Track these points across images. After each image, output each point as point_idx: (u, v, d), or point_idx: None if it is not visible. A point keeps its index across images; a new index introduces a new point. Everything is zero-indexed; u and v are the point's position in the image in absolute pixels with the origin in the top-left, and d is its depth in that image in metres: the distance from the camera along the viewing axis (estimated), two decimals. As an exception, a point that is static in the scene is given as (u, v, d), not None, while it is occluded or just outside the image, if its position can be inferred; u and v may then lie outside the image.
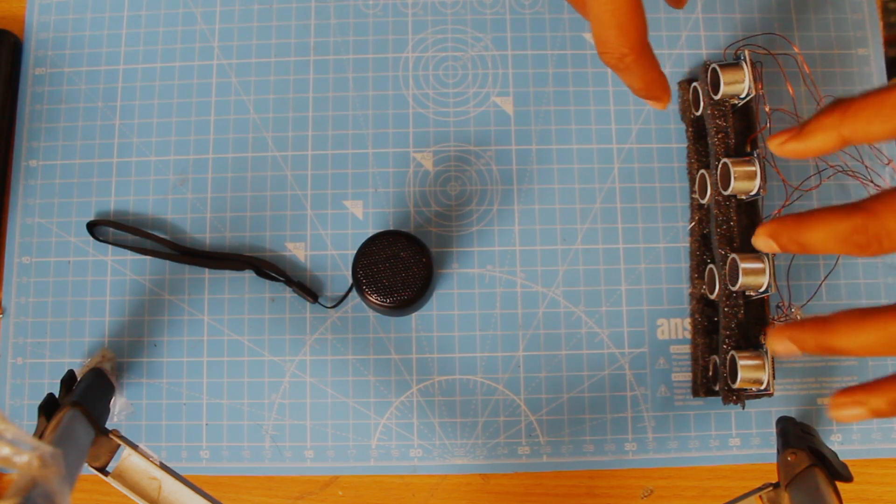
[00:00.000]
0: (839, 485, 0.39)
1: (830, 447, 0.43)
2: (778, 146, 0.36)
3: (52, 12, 0.53)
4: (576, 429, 0.49)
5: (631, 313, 0.50)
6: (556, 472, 0.48)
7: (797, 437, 0.43)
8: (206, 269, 0.50)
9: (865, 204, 0.30)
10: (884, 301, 0.50)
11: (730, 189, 0.45)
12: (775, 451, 0.45)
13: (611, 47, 0.37)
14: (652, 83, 0.39)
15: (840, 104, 0.33)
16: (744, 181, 0.45)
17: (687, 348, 0.49)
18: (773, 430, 0.48)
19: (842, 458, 0.42)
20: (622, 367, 0.49)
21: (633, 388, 0.49)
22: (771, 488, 0.41)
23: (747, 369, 0.44)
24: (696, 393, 0.49)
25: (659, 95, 0.41)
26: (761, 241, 0.35)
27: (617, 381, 0.49)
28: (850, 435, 0.49)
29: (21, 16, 0.54)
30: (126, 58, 0.53)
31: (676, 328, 0.50)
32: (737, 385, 0.44)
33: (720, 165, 0.46)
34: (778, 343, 0.34)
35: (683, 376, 0.49)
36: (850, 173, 0.49)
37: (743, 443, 0.48)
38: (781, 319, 0.45)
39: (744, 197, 0.46)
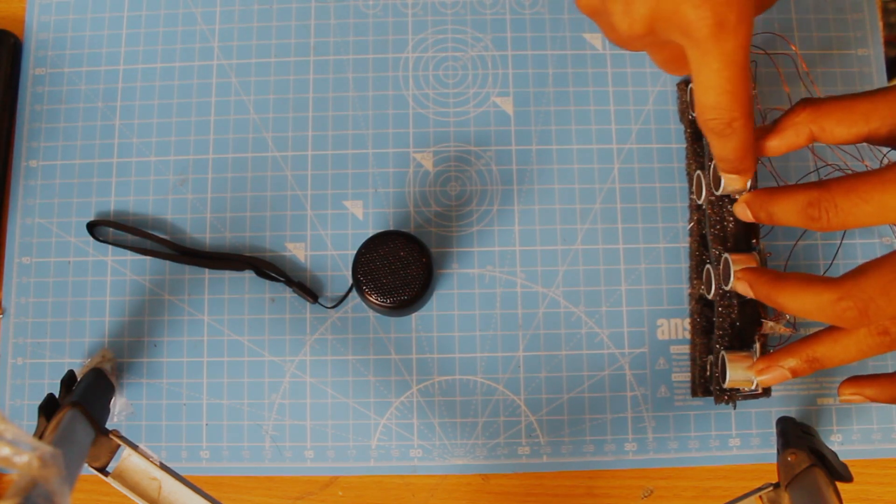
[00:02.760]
0: (839, 485, 0.39)
1: (830, 447, 0.43)
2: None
3: (52, 12, 0.53)
4: (576, 429, 0.49)
5: (631, 313, 0.50)
6: (556, 472, 0.48)
7: (797, 437, 0.43)
8: (206, 270, 0.50)
9: (824, 182, 0.33)
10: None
11: (721, 189, 0.45)
12: (775, 451, 0.45)
13: (721, 112, 0.35)
14: (749, 151, 0.38)
15: (811, 103, 0.36)
16: (734, 181, 0.44)
17: (687, 348, 0.49)
18: (773, 430, 0.48)
19: (842, 458, 0.42)
20: (622, 367, 0.49)
21: (633, 388, 0.49)
22: (771, 488, 0.41)
23: (736, 370, 0.43)
24: (694, 393, 0.49)
25: (749, 166, 0.39)
26: (739, 208, 0.39)
27: (617, 381, 0.49)
28: (850, 435, 0.49)
29: (21, 16, 0.54)
30: (126, 58, 0.53)
31: (676, 328, 0.50)
32: (726, 385, 0.44)
33: (712, 166, 0.46)
34: (737, 284, 0.39)
35: (683, 376, 0.49)
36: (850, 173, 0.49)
37: (743, 443, 0.48)
38: (770, 319, 0.45)
39: (737, 197, 0.46)
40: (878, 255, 0.50)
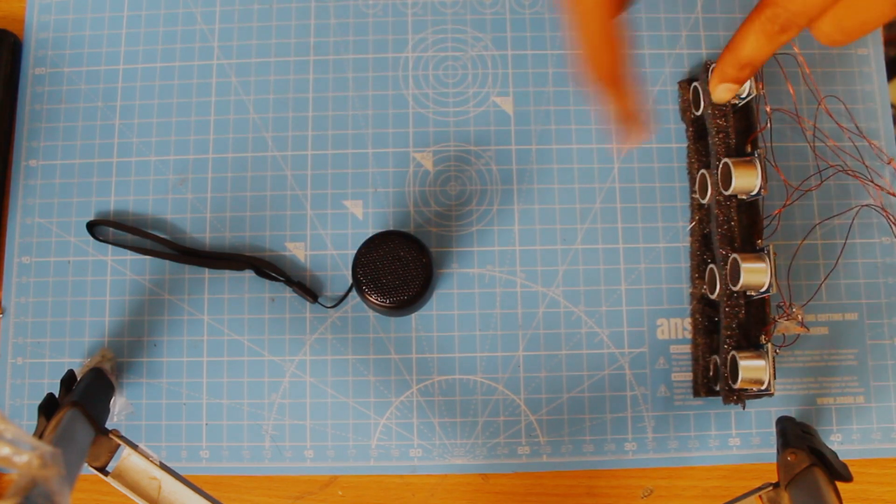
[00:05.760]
0: (839, 485, 0.39)
1: (830, 447, 0.43)
2: (720, 76, 0.38)
3: (52, 12, 0.53)
4: (576, 429, 0.49)
5: (631, 313, 0.50)
6: (556, 472, 0.48)
7: (797, 436, 0.43)
8: (206, 269, 0.50)
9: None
10: (883, 301, 0.50)
11: (731, 189, 0.45)
12: (775, 451, 0.45)
13: (587, 71, 0.36)
14: (625, 113, 0.38)
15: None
16: (745, 181, 0.45)
17: (687, 348, 0.49)
18: (773, 430, 0.48)
19: (842, 458, 0.42)
20: (622, 367, 0.49)
21: (632, 387, 0.49)
22: (771, 488, 0.41)
23: (748, 369, 0.44)
24: (696, 393, 0.49)
25: (631, 126, 0.40)
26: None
27: (617, 381, 0.49)
28: (850, 435, 0.49)
29: (21, 16, 0.54)
30: (126, 58, 0.53)
31: (676, 328, 0.50)
32: (737, 385, 0.44)
33: (721, 165, 0.46)
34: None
35: (683, 376, 0.49)
36: (851, 173, 0.49)
37: (743, 443, 0.48)
38: (783, 319, 0.45)
39: (745, 197, 0.46)
40: (878, 254, 0.50)
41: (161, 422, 0.49)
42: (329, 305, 0.50)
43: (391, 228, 0.50)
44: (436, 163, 0.51)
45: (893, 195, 0.50)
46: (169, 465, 0.41)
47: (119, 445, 0.41)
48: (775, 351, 0.45)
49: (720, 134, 0.47)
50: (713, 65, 0.47)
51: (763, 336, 0.45)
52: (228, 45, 0.53)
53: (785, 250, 0.49)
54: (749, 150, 0.47)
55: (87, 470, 0.40)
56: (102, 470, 0.41)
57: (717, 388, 0.47)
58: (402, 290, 0.45)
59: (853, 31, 0.34)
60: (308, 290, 0.49)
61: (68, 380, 0.45)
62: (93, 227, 0.51)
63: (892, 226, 0.50)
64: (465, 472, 0.48)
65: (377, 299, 0.45)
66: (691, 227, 0.50)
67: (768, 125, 0.48)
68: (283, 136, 0.52)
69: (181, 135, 0.52)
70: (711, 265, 0.48)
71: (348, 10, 0.53)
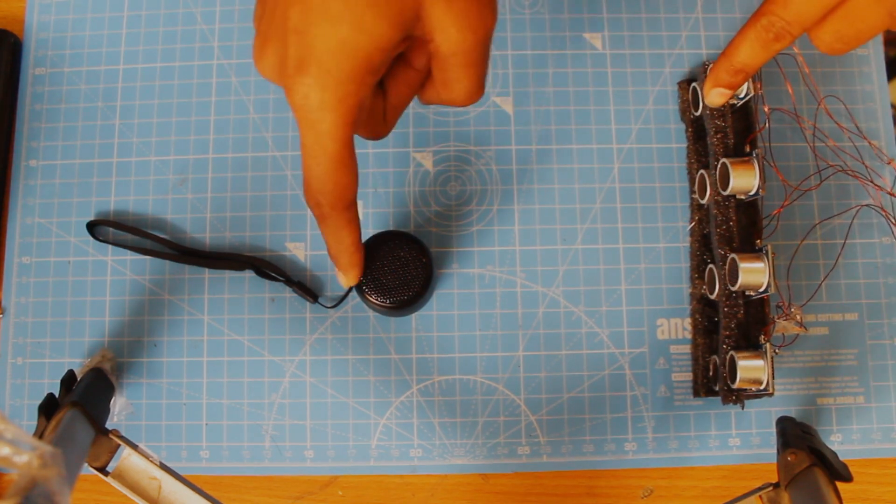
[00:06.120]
0: (839, 485, 0.39)
1: (830, 447, 0.43)
2: (714, 80, 0.38)
3: (52, 12, 0.53)
4: (576, 429, 0.49)
5: (631, 313, 0.50)
6: (556, 472, 0.48)
7: (797, 437, 0.43)
8: (206, 269, 0.50)
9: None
10: (883, 301, 0.50)
11: (729, 189, 0.45)
12: (775, 451, 0.45)
13: (310, 193, 0.36)
14: (341, 248, 0.39)
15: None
16: (743, 181, 0.45)
17: (687, 348, 0.49)
18: (773, 430, 0.48)
19: (842, 458, 0.42)
20: (622, 367, 0.49)
21: (632, 388, 0.49)
22: (771, 488, 0.41)
23: (746, 369, 0.44)
24: (696, 393, 0.49)
25: (344, 266, 0.40)
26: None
27: (617, 381, 0.49)
28: (850, 435, 0.49)
29: (21, 16, 0.54)
30: (126, 58, 0.53)
31: (676, 328, 0.50)
32: (736, 385, 0.44)
33: (719, 165, 0.46)
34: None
35: (683, 376, 0.49)
36: (851, 173, 0.49)
37: (743, 443, 0.48)
38: (781, 319, 0.45)
39: (743, 197, 0.46)
40: (878, 254, 0.50)
41: (161, 422, 0.49)
42: (329, 305, 0.50)
43: (391, 228, 0.50)
44: (436, 163, 0.51)
45: (893, 195, 0.50)
46: (169, 465, 0.41)
47: (119, 445, 0.41)
48: (774, 351, 0.45)
49: (719, 134, 0.47)
50: (713, 65, 0.47)
51: (762, 336, 0.45)
52: (228, 45, 0.53)
53: (784, 250, 0.49)
54: (748, 150, 0.47)
55: (87, 470, 0.40)
56: (102, 470, 0.41)
57: (717, 388, 0.47)
58: (402, 290, 0.45)
59: (851, 40, 0.34)
60: (308, 290, 0.49)
61: (68, 380, 0.45)
62: (93, 227, 0.51)
63: (892, 226, 0.50)
64: (465, 472, 0.48)
65: (377, 299, 0.45)
66: (691, 227, 0.50)
67: (767, 125, 0.48)
68: (284, 136, 0.52)
69: (181, 135, 0.52)
70: (711, 265, 0.48)
71: (348, 10, 0.53)
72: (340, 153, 0.34)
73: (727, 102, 0.47)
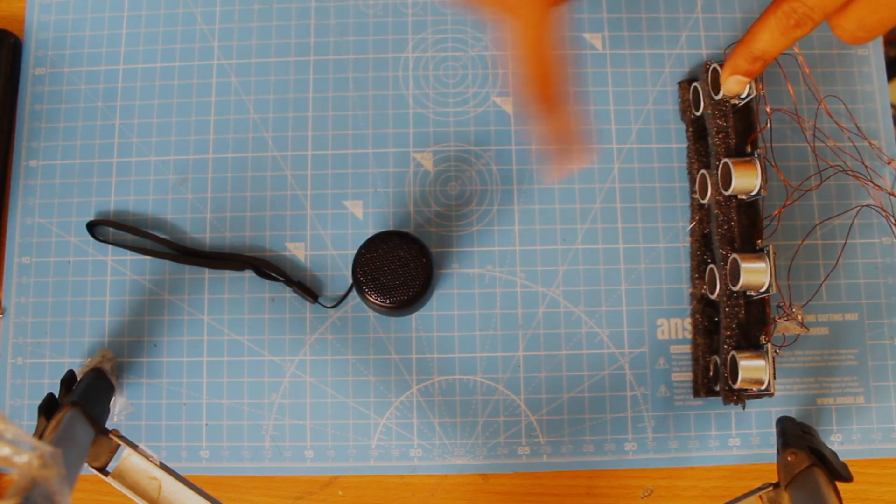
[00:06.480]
0: (839, 485, 0.39)
1: (830, 447, 0.43)
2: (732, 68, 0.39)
3: (52, 12, 0.53)
4: (576, 429, 0.49)
5: (631, 313, 0.50)
6: (556, 472, 0.48)
7: (797, 437, 0.43)
8: (206, 269, 0.50)
9: None
10: (883, 301, 0.50)
11: (730, 189, 0.45)
12: (775, 451, 0.45)
13: (528, 91, 0.36)
14: (562, 134, 0.39)
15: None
16: (744, 181, 0.45)
17: (687, 348, 0.49)
18: (773, 430, 0.48)
19: (842, 458, 0.42)
20: (622, 367, 0.49)
21: (633, 388, 0.49)
22: (771, 488, 0.41)
23: (748, 370, 0.44)
24: (696, 393, 0.49)
25: (569, 149, 0.40)
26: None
27: (617, 381, 0.49)
28: (850, 435, 0.49)
29: (21, 16, 0.54)
30: (126, 58, 0.53)
31: (676, 328, 0.50)
32: (737, 385, 0.44)
33: (721, 165, 0.46)
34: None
35: (683, 376, 0.49)
36: (851, 173, 0.49)
37: (743, 443, 0.48)
38: (782, 319, 0.45)
39: (744, 197, 0.46)
40: (878, 254, 0.50)
41: (161, 422, 0.49)
42: (329, 305, 0.50)
43: (391, 228, 0.50)
44: (436, 163, 0.51)
45: (893, 195, 0.50)
46: (169, 465, 0.41)
47: (119, 445, 0.41)
48: (775, 351, 0.45)
49: (720, 134, 0.47)
50: (713, 64, 0.47)
51: (763, 336, 0.45)
52: (228, 45, 0.53)
53: (785, 250, 0.49)
54: (749, 150, 0.47)
55: (87, 470, 0.40)
56: (102, 470, 0.41)
57: (717, 389, 0.47)
58: (402, 290, 0.45)
59: (875, 27, 0.34)
60: (308, 290, 0.49)
61: (68, 380, 0.45)
62: (93, 227, 0.51)
63: (892, 226, 0.50)
64: (465, 472, 0.48)
65: (377, 299, 0.45)
66: (691, 227, 0.50)
67: (768, 125, 0.48)
68: (284, 136, 0.52)
69: (181, 135, 0.52)
70: (711, 265, 0.48)
71: (348, 10, 0.53)
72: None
73: (729, 101, 0.47)
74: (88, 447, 0.40)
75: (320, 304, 0.50)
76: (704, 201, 0.48)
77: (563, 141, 0.38)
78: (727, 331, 0.45)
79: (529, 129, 0.38)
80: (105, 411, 0.46)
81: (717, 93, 0.46)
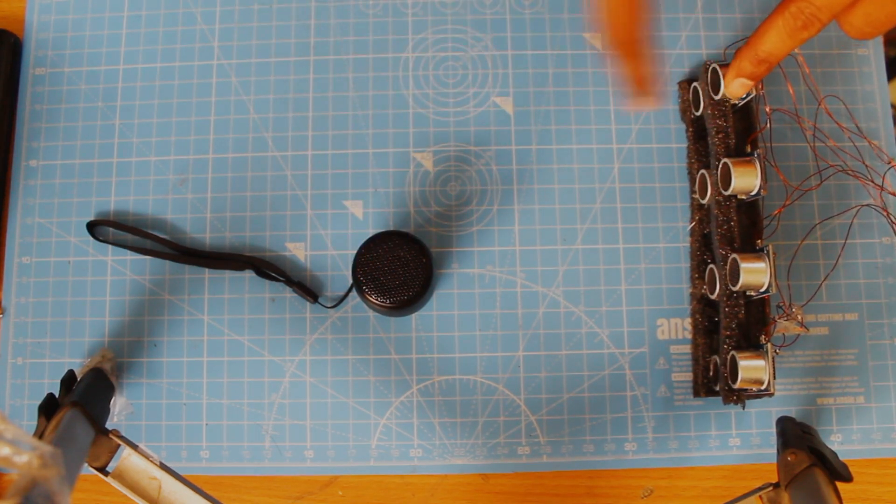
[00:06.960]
0: (839, 485, 0.39)
1: (830, 447, 0.43)
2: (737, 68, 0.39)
3: (52, 12, 0.53)
4: (576, 429, 0.49)
5: (631, 313, 0.50)
6: (556, 472, 0.48)
7: (797, 437, 0.43)
8: (206, 269, 0.50)
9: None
10: (883, 301, 0.50)
11: (730, 189, 0.45)
12: (775, 451, 0.45)
13: (609, 34, 0.37)
14: (638, 77, 0.39)
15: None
16: (744, 181, 0.45)
17: (687, 348, 0.49)
18: (773, 430, 0.48)
19: (842, 458, 0.42)
20: (622, 367, 0.49)
21: (633, 388, 0.49)
22: (771, 488, 0.41)
23: (748, 370, 0.44)
24: (696, 393, 0.49)
25: (643, 91, 0.40)
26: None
27: (617, 381, 0.49)
28: (850, 435, 0.49)
29: (21, 16, 0.54)
30: (126, 58, 0.53)
31: (676, 328, 0.50)
32: (737, 385, 0.44)
33: (721, 165, 0.46)
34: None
35: (683, 376, 0.49)
36: (851, 173, 0.49)
37: (743, 443, 0.48)
38: (782, 319, 0.45)
39: (744, 197, 0.46)
40: (878, 254, 0.50)
41: (161, 422, 0.49)
42: (329, 305, 0.50)
43: (391, 228, 0.50)
44: (436, 163, 0.51)
45: (893, 195, 0.50)
46: (169, 465, 0.41)
47: (119, 445, 0.41)
48: (775, 351, 0.45)
49: (720, 134, 0.47)
50: (713, 64, 0.47)
51: (763, 336, 0.45)
52: (228, 45, 0.53)
53: (785, 250, 0.49)
54: (749, 150, 0.47)
55: (87, 470, 0.40)
56: (102, 470, 0.41)
57: (717, 388, 0.47)
58: (402, 290, 0.45)
59: (882, 23, 0.34)
60: (308, 290, 0.49)
61: (68, 380, 0.45)
62: (93, 227, 0.51)
63: (892, 226, 0.50)
64: (465, 472, 0.48)
65: (377, 299, 0.45)
66: (691, 227, 0.50)
67: (768, 125, 0.48)
68: (284, 136, 0.52)
69: (181, 135, 0.52)
70: (711, 265, 0.48)
71: (348, 10, 0.53)
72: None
73: (729, 101, 0.47)
74: (88, 447, 0.40)
75: (320, 304, 0.50)
76: (704, 201, 0.48)
77: (639, 84, 0.39)
78: (727, 331, 0.45)
79: (610, 70, 0.39)
80: (105, 411, 0.46)
81: (716, 93, 0.46)
